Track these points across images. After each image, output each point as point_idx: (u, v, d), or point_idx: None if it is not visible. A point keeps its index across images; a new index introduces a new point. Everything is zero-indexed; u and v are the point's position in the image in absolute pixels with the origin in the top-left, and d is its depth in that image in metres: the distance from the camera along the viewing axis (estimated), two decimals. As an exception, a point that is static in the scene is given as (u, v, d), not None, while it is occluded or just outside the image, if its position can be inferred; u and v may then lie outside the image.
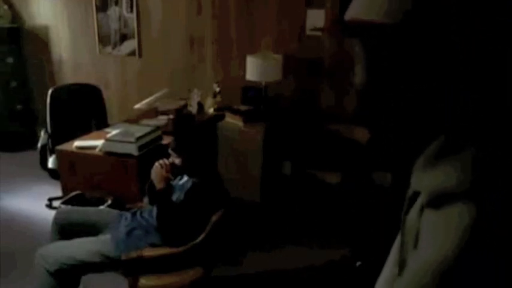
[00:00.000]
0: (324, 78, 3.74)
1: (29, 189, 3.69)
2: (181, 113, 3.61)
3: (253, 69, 3.51)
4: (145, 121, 3.30)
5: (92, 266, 1.97)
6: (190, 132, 2.26)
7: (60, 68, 4.73)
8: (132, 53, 4.34)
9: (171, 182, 2.19)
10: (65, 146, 2.81)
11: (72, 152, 2.74)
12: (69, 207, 2.52)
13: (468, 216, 0.42)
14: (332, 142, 3.55)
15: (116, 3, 4.26)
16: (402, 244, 0.54)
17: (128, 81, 4.47)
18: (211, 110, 3.76)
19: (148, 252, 1.97)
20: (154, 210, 2.06)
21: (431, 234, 0.45)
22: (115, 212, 2.28)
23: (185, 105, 3.78)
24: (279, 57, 3.62)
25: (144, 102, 3.66)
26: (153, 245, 2.01)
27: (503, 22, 0.47)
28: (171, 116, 3.48)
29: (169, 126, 3.27)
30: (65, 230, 2.20)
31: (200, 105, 3.73)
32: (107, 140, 2.63)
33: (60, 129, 3.38)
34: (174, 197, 2.10)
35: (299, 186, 3.70)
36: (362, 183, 3.42)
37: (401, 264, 0.52)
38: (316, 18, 3.61)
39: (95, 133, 3.13)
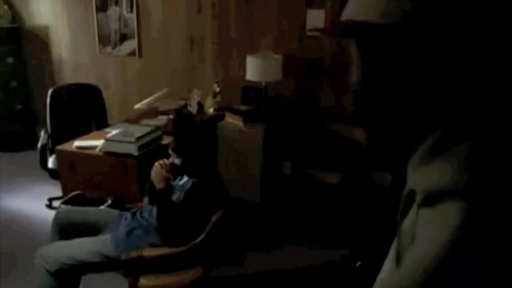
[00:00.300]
0: (324, 78, 3.74)
1: (29, 189, 3.69)
2: (181, 113, 3.61)
3: (253, 69, 3.51)
4: (145, 121, 3.30)
5: (92, 266, 1.97)
6: (190, 132, 2.26)
7: (60, 68, 4.73)
8: (132, 53, 4.34)
9: (171, 182, 2.19)
10: (65, 146, 2.81)
11: (72, 152, 2.74)
12: (69, 207, 2.52)
13: (460, 214, 0.43)
14: (332, 142, 3.55)
15: (116, 3, 4.26)
16: (398, 242, 0.55)
17: (128, 81, 4.47)
18: (211, 110, 3.76)
19: (148, 252, 1.97)
20: (154, 210, 2.06)
21: (426, 230, 0.46)
22: (115, 212, 2.28)
23: (185, 105, 3.78)
24: (279, 57, 3.62)
25: (144, 102, 3.67)
26: (153, 245, 2.01)
27: (503, 22, 0.47)
28: (171, 116, 3.48)
29: (169, 126, 3.27)
30: (65, 230, 2.20)
31: (200, 105, 3.73)
32: (107, 140, 2.63)
33: (60, 129, 3.38)
34: (174, 197, 2.10)
35: (299, 186, 3.70)
36: (362, 183, 3.42)
37: (398, 261, 0.53)
38: (316, 18, 3.61)
39: (95, 133, 3.13)
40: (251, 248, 2.92)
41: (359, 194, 3.35)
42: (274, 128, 3.65)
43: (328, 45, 3.62)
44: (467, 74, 0.48)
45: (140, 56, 4.34)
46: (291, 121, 3.87)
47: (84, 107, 3.60)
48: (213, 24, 3.99)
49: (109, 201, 2.58)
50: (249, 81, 3.63)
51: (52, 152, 3.41)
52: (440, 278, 0.42)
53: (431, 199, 0.47)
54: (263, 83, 3.61)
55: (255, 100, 3.68)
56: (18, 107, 4.77)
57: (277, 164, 3.89)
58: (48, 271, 1.93)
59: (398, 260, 0.53)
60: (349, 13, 0.53)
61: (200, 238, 2.00)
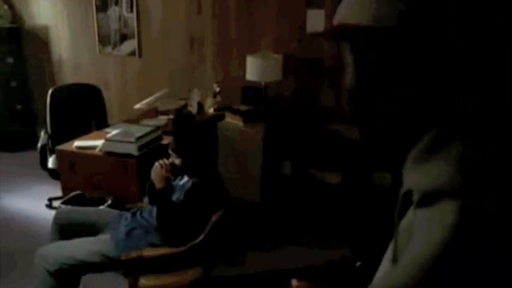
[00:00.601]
0: (324, 78, 3.74)
1: (29, 189, 3.69)
2: (181, 113, 3.61)
3: (253, 69, 3.51)
4: (145, 121, 3.30)
5: (92, 266, 1.97)
6: (190, 132, 2.26)
7: (60, 68, 4.73)
8: (132, 53, 4.34)
9: (171, 182, 2.19)
10: (65, 146, 2.81)
11: (72, 152, 2.74)
12: (69, 207, 2.52)
13: (456, 213, 0.43)
14: (332, 142, 3.55)
15: (116, 3, 4.26)
16: (396, 242, 0.55)
17: (127, 81, 4.47)
18: (211, 110, 3.76)
19: (148, 252, 1.96)
20: (154, 210, 2.06)
21: (422, 229, 0.47)
22: (115, 212, 2.28)
23: (185, 105, 3.78)
24: (279, 57, 3.62)
25: (144, 102, 3.67)
26: (153, 245, 2.01)
27: (503, 22, 0.47)
28: (171, 116, 3.48)
29: (169, 126, 3.27)
30: (65, 230, 2.20)
31: (200, 105, 3.73)
32: (107, 140, 2.63)
33: (60, 129, 3.38)
34: (174, 197, 2.10)
35: (299, 186, 3.70)
36: (362, 183, 3.42)
37: (394, 260, 0.54)
38: (316, 18, 3.61)
39: (95, 133, 3.13)
40: (251, 248, 2.92)
41: (359, 194, 3.35)
42: (274, 128, 3.65)
43: (327, 46, 3.62)
44: (467, 75, 0.48)
45: (140, 56, 4.34)
46: (291, 121, 3.87)
47: (84, 107, 3.60)
48: (213, 24, 3.99)
49: (109, 201, 2.58)
50: (249, 81, 3.63)
51: (52, 152, 3.41)
52: (435, 276, 0.43)
53: (428, 199, 0.47)
54: (263, 83, 3.61)
55: (255, 100, 3.68)
56: (18, 107, 4.77)
57: (277, 164, 3.89)
58: (48, 271, 1.92)
59: (395, 258, 0.54)
60: (340, 17, 0.54)
61: (200, 238, 2.00)
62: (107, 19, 4.34)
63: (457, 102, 0.49)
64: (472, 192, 0.44)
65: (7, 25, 4.59)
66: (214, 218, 2.05)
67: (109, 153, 2.63)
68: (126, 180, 2.61)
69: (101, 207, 2.50)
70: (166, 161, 2.12)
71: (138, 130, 2.74)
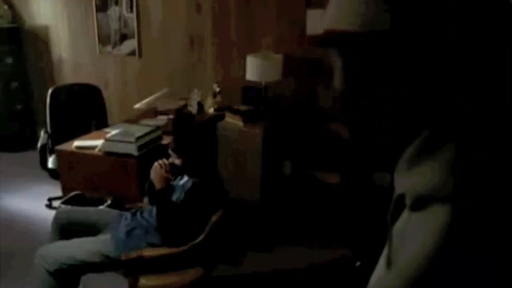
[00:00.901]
0: (324, 78, 3.74)
1: (29, 189, 3.69)
2: (181, 113, 3.60)
3: (253, 69, 3.51)
4: (145, 121, 3.30)
5: (92, 266, 1.97)
6: (190, 132, 2.26)
7: (60, 68, 4.73)
8: (132, 53, 4.34)
9: (171, 182, 2.19)
10: (64, 146, 2.81)
11: (72, 152, 2.74)
12: (69, 207, 2.52)
13: (449, 215, 0.43)
14: (332, 142, 3.55)
15: (116, 3, 4.26)
16: (389, 245, 0.55)
17: (127, 81, 4.47)
18: (211, 110, 3.76)
19: (148, 252, 1.97)
20: (154, 210, 2.06)
21: (416, 232, 0.47)
22: (115, 212, 2.28)
23: (185, 105, 3.78)
24: (279, 57, 3.62)
25: (144, 102, 3.66)
26: (153, 245, 2.01)
27: (503, 22, 0.47)
28: (171, 116, 3.48)
29: (169, 126, 3.26)
30: (65, 230, 2.20)
31: (200, 105, 3.73)
32: (107, 140, 2.63)
33: (60, 129, 3.38)
34: (174, 197, 2.10)
35: (299, 186, 3.69)
36: (362, 183, 3.42)
37: (388, 263, 0.54)
38: (316, 18, 3.61)
39: (94, 133, 3.13)
40: (251, 248, 2.92)
41: (359, 194, 3.35)
42: (274, 128, 3.65)
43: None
44: (467, 75, 0.48)
45: (140, 56, 4.34)
46: (291, 121, 3.87)
47: (84, 107, 3.60)
48: (213, 24, 3.99)
49: (109, 201, 2.58)
50: (249, 81, 3.63)
51: (52, 152, 3.42)
52: (430, 279, 0.43)
53: (421, 202, 0.47)
54: (263, 83, 3.61)
55: (255, 100, 3.67)
56: (18, 107, 4.77)
57: (277, 164, 3.89)
58: (48, 271, 1.93)
59: (389, 262, 0.54)
60: (327, 23, 0.54)
61: (200, 238, 2.00)
62: (107, 19, 4.34)
63: (457, 103, 0.49)
64: (468, 193, 0.44)
65: (7, 25, 4.59)
66: (214, 218, 2.05)
67: (109, 153, 2.63)
68: (126, 180, 2.61)
69: (101, 207, 2.50)
70: (165, 161, 2.12)
71: (138, 130, 2.74)
